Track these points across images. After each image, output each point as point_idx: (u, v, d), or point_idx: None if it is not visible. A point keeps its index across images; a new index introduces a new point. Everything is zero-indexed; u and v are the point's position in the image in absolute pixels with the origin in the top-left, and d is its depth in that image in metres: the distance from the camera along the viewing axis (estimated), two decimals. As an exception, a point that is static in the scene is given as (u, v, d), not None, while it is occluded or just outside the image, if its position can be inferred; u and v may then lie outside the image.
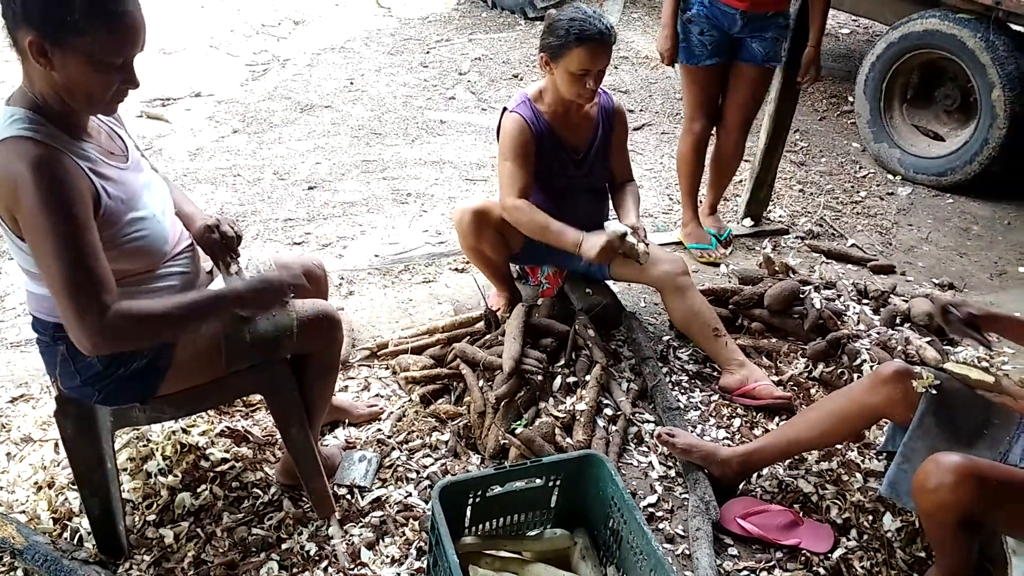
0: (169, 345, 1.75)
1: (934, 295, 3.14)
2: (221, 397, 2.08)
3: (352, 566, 1.96)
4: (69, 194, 1.48)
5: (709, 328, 2.64)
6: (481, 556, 1.83)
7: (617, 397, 2.50)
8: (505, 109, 2.61)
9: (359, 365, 2.69)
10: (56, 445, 2.20)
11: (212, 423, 2.32)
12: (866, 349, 2.72)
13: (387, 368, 2.66)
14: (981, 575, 1.87)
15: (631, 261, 2.56)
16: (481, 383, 2.43)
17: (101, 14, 1.45)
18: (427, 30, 6.56)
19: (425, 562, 1.89)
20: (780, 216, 3.90)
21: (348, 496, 2.16)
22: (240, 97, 5.18)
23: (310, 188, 4.08)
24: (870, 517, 2.18)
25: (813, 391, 2.65)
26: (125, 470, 2.13)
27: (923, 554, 2.06)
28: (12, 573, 1.87)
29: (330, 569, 1.95)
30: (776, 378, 2.66)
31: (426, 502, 2.16)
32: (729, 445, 2.39)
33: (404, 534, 2.06)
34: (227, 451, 2.24)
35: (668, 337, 2.87)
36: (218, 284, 1.93)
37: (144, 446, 2.20)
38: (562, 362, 2.59)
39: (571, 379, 2.53)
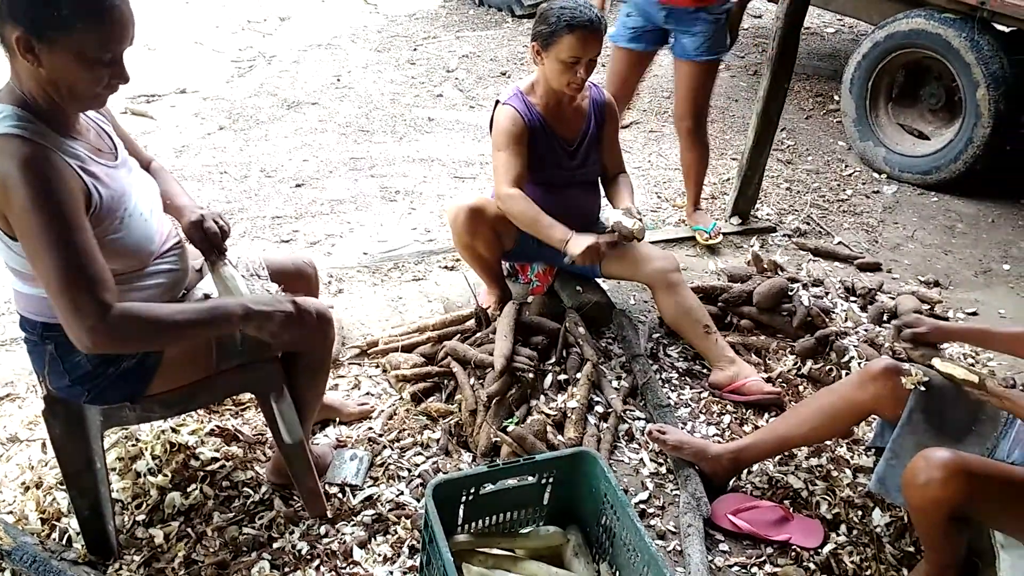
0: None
1: (921, 293, 3.17)
2: (212, 396, 2.07)
3: (344, 565, 1.96)
4: (60, 193, 1.46)
5: (700, 325, 2.66)
6: (474, 554, 1.83)
7: (608, 394, 2.51)
8: (498, 102, 2.61)
9: (349, 363, 2.68)
10: (43, 445, 2.18)
11: (202, 422, 2.31)
12: (854, 346, 2.74)
13: (377, 366, 2.66)
14: (969, 569, 1.89)
15: (622, 259, 2.57)
16: (472, 381, 2.43)
17: (88, 9, 1.43)
18: (414, 27, 6.54)
19: (418, 560, 1.89)
20: (767, 214, 3.92)
21: (339, 495, 2.15)
22: (226, 94, 5.15)
23: (297, 185, 4.06)
24: (859, 512, 2.20)
25: (802, 388, 2.67)
26: (114, 470, 2.11)
27: (912, 549, 2.09)
28: (0, 574, 1.85)
29: (322, 568, 1.95)
30: (765, 375, 2.68)
31: (418, 500, 2.16)
32: (719, 442, 2.40)
33: (396, 532, 2.05)
34: (217, 450, 2.23)
35: (658, 334, 2.88)
36: (207, 282, 1.92)
37: (133, 445, 2.18)
38: (553, 360, 2.59)
39: (562, 377, 2.53)
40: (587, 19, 2.39)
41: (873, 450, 2.29)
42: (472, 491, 1.81)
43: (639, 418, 2.49)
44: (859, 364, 2.66)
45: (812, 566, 2.05)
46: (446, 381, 2.53)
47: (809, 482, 2.29)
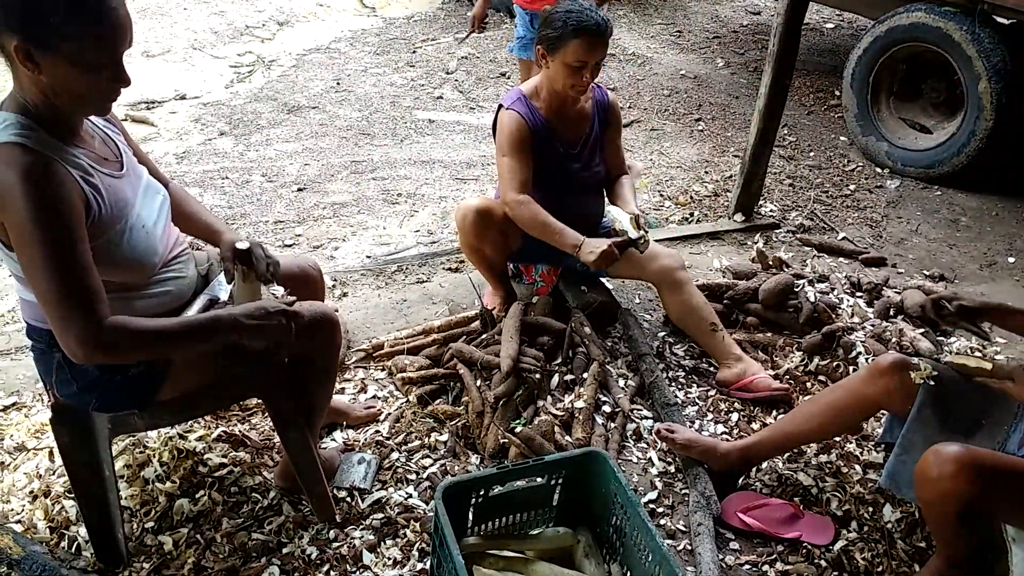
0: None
1: (927, 287, 3.16)
2: (220, 402, 2.06)
3: (354, 569, 1.95)
4: (60, 204, 1.45)
5: (706, 323, 2.65)
6: (485, 556, 1.82)
7: (615, 394, 2.50)
8: (501, 106, 2.60)
9: (355, 367, 2.67)
10: (51, 453, 2.17)
11: (209, 428, 2.31)
12: (861, 342, 2.73)
13: (383, 369, 2.65)
14: (981, 563, 1.88)
15: (628, 258, 2.56)
16: (479, 382, 2.43)
17: (85, 15, 1.42)
18: (412, 29, 6.54)
19: (428, 563, 1.88)
20: (771, 210, 3.91)
21: (348, 499, 2.15)
22: (226, 99, 5.14)
23: (299, 190, 4.06)
24: (870, 509, 2.19)
25: (809, 384, 2.66)
26: (122, 477, 2.11)
27: (923, 544, 2.08)
28: (10, 584, 1.85)
29: (332, 572, 1.94)
30: (772, 372, 2.67)
31: (426, 503, 2.15)
32: (728, 439, 2.40)
33: (406, 535, 2.05)
34: (225, 456, 2.22)
35: (664, 333, 2.87)
36: (223, 289, 1.90)
37: (141, 452, 2.17)
38: (559, 360, 2.59)
39: (569, 377, 2.53)
40: (593, 23, 2.39)
41: (883, 445, 2.29)
42: (481, 493, 1.80)
43: (647, 417, 2.48)
44: (866, 360, 2.65)
45: (823, 563, 2.05)
46: (452, 383, 2.52)
47: (819, 479, 2.28)
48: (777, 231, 3.71)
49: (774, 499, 2.20)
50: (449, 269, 3.30)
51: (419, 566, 1.97)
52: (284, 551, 1.99)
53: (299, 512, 2.09)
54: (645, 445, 2.39)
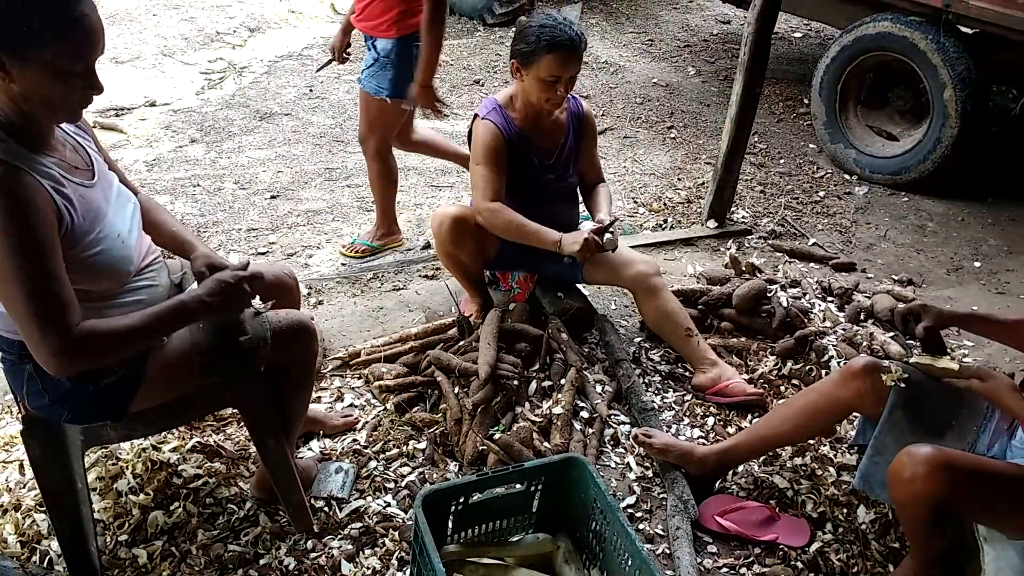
0: (141, 361, 1.71)
1: (896, 291, 3.22)
2: (195, 412, 2.04)
3: (333, 579, 1.94)
4: (30, 216, 1.43)
5: (681, 328, 2.67)
6: (465, 564, 1.82)
7: (592, 400, 2.51)
8: (476, 116, 2.61)
9: (331, 375, 2.66)
10: (21, 466, 2.13)
11: (183, 439, 2.28)
12: (833, 345, 2.77)
13: (360, 378, 2.64)
14: (954, 563, 1.92)
15: (604, 264, 2.58)
16: (457, 390, 2.42)
17: (57, 22, 1.40)
18: (386, 37, 6.51)
19: (408, 572, 1.87)
20: (743, 217, 3.96)
21: (326, 508, 2.13)
22: (196, 106, 5.09)
23: (273, 197, 4.03)
24: (844, 510, 2.22)
25: (783, 388, 2.69)
26: (95, 489, 2.07)
27: (897, 545, 2.11)
28: (-21, 600, 1.81)
29: (310, 583, 1.93)
30: (747, 376, 2.70)
31: (405, 511, 2.14)
32: (704, 444, 2.42)
33: (384, 544, 2.04)
34: (199, 467, 2.20)
35: (640, 338, 2.89)
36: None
37: (114, 464, 2.14)
38: (537, 366, 2.59)
39: (546, 383, 2.53)
40: (567, 38, 2.40)
41: (856, 448, 2.32)
42: (461, 500, 1.80)
43: (624, 422, 2.49)
44: (838, 363, 2.69)
45: (800, 564, 2.07)
46: (430, 390, 2.51)
47: (794, 481, 2.30)
48: (749, 237, 3.76)
49: (750, 502, 2.23)
50: (425, 276, 3.29)
51: (399, 575, 1.96)
52: (261, 562, 1.97)
53: (276, 523, 2.07)
54: (623, 450, 2.40)
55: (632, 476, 2.31)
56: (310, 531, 2.05)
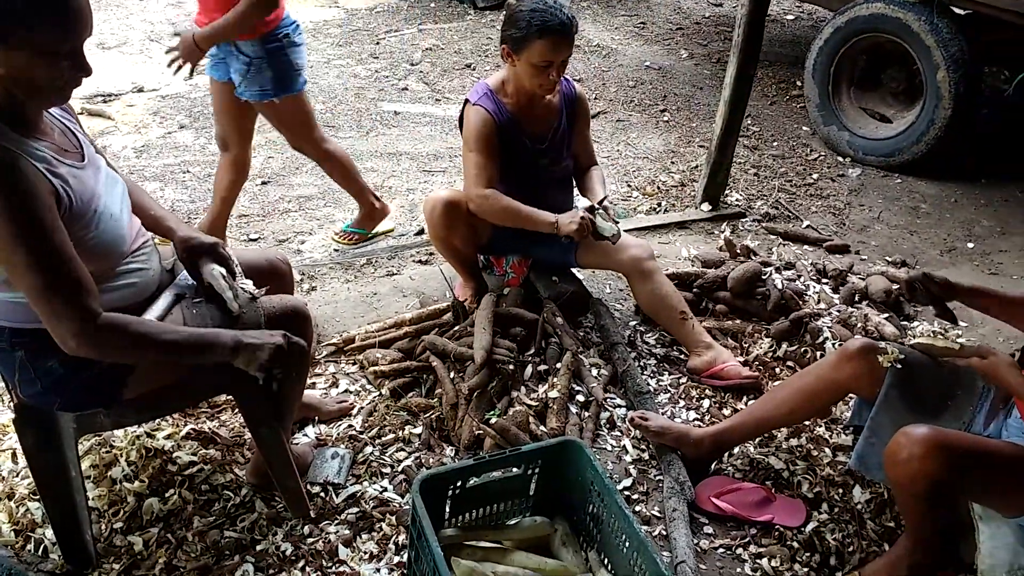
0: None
1: (890, 273, 3.22)
2: (189, 399, 2.03)
3: (330, 564, 1.93)
4: (30, 199, 1.42)
5: (676, 312, 2.67)
6: (462, 547, 1.82)
7: (588, 383, 2.51)
8: (467, 101, 2.58)
9: (325, 361, 2.65)
10: (14, 454, 2.12)
11: (177, 426, 2.26)
12: (828, 327, 2.77)
13: (355, 363, 2.63)
14: (949, 541, 1.93)
15: (598, 247, 2.57)
16: (452, 375, 2.42)
17: (45, 4, 1.38)
18: (375, 21, 6.47)
19: (406, 556, 1.87)
20: (737, 200, 3.95)
21: (322, 494, 2.12)
22: (185, 92, 5.04)
23: (263, 183, 4.00)
24: (840, 490, 2.23)
25: (778, 370, 2.70)
26: (89, 477, 2.06)
27: (892, 524, 2.12)
28: (-27, 589, 1.80)
29: (308, 568, 1.92)
30: (742, 358, 2.70)
31: (402, 496, 2.14)
32: (700, 426, 2.42)
33: (382, 529, 2.03)
34: (194, 453, 2.18)
35: (635, 322, 2.89)
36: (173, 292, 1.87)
37: (107, 452, 2.13)
38: (532, 351, 2.59)
39: (542, 367, 2.53)
40: (558, 23, 2.37)
41: (851, 428, 2.32)
42: (458, 485, 1.80)
43: (620, 406, 2.49)
44: (833, 345, 2.69)
45: (795, 544, 2.08)
46: (425, 376, 2.51)
47: (790, 462, 2.31)
48: (743, 220, 3.75)
49: (746, 483, 2.23)
50: (419, 261, 3.28)
51: (396, 559, 1.96)
52: (258, 548, 1.96)
53: (272, 508, 2.07)
54: (619, 433, 2.41)
55: (628, 459, 2.32)
56: (307, 517, 2.04)
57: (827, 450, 2.35)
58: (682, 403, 2.55)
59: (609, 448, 2.35)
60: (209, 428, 2.28)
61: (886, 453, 1.78)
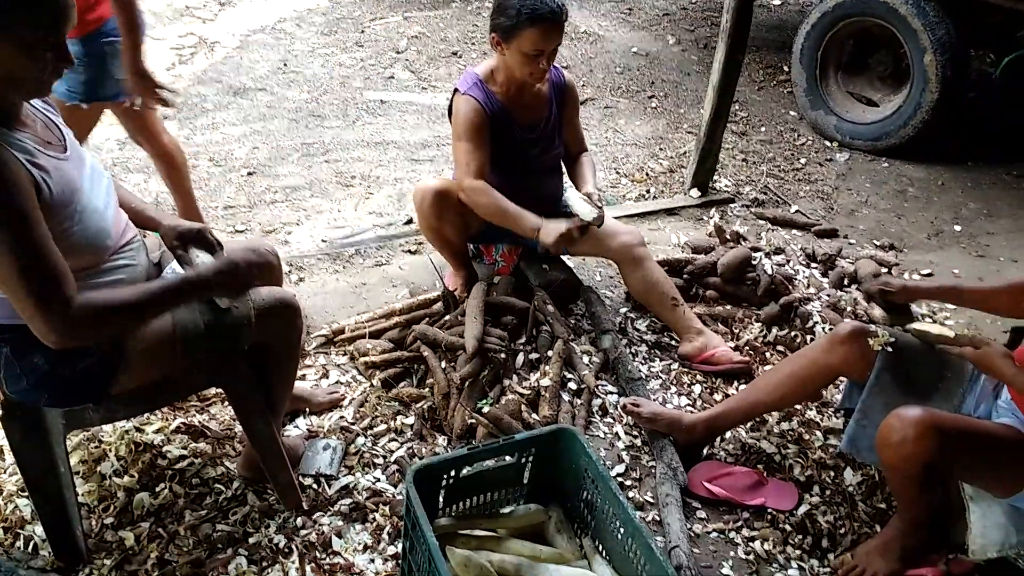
0: (121, 340, 1.68)
1: (879, 257, 3.23)
2: (178, 393, 2.01)
3: (324, 555, 1.93)
4: (9, 188, 1.40)
5: (667, 298, 2.67)
6: (457, 536, 1.81)
7: (580, 371, 2.51)
8: (456, 91, 2.56)
9: (315, 353, 2.63)
10: (1, 451, 2.09)
11: (167, 420, 2.24)
12: (817, 311, 2.79)
13: (345, 354, 2.61)
14: (940, 521, 1.94)
15: (588, 235, 2.56)
16: (443, 364, 2.41)
17: None
18: (360, 9, 6.40)
19: (400, 546, 1.86)
20: (726, 185, 3.95)
21: (314, 486, 2.11)
22: (168, 82, 4.92)
23: (249, 174, 3.96)
24: (831, 473, 2.24)
25: (769, 355, 2.71)
26: (78, 473, 2.04)
27: (884, 505, 2.14)
28: (-37, 588, 1.78)
29: (301, 560, 1.91)
30: (733, 344, 2.71)
31: (395, 487, 2.13)
32: (692, 411, 2.42)
33: (375, 520, 2.03)
34: (185, 447, 2.17)
35: (625, 309, 2.88)
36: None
37: (96, 447, 2.11)
38: (523, 339, 2.58)
39: (533, 355, 2.53)
40: (548, 11, 2.34)
41: (842, 411, 2.33)
42: (452, 474, 1.79)
43: (611, 392, 2.49)
44: (823, 329, 2.71)
45: (788, 527, 2.09)
46: (416, 366, 2.49)
47: (781, 446, 2.32)
48: (732, 206, 3.76)
49: (738, 467, 2.24)
50: (408, 251, 3.26)
51: (390, 550, 1.95)
52: (251, 541, 1.95)
53: (264, 501, 2.06)
54: (611, 420, 2.41)
55: (621, 445, 2.32)
56: (299, 509, 2.03)
57: (818, 433, 2.36)
58: (673, 389, 2.55)
59: (602, 435, 2.35)
60: (199, 421, 2.26)
61: (878, 435, 1.78)
